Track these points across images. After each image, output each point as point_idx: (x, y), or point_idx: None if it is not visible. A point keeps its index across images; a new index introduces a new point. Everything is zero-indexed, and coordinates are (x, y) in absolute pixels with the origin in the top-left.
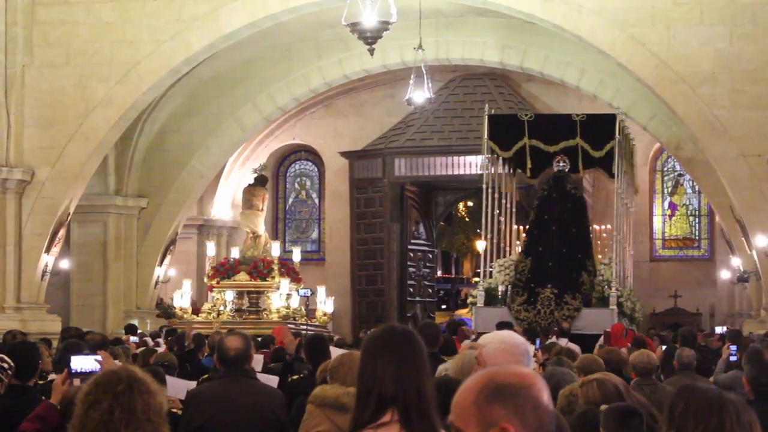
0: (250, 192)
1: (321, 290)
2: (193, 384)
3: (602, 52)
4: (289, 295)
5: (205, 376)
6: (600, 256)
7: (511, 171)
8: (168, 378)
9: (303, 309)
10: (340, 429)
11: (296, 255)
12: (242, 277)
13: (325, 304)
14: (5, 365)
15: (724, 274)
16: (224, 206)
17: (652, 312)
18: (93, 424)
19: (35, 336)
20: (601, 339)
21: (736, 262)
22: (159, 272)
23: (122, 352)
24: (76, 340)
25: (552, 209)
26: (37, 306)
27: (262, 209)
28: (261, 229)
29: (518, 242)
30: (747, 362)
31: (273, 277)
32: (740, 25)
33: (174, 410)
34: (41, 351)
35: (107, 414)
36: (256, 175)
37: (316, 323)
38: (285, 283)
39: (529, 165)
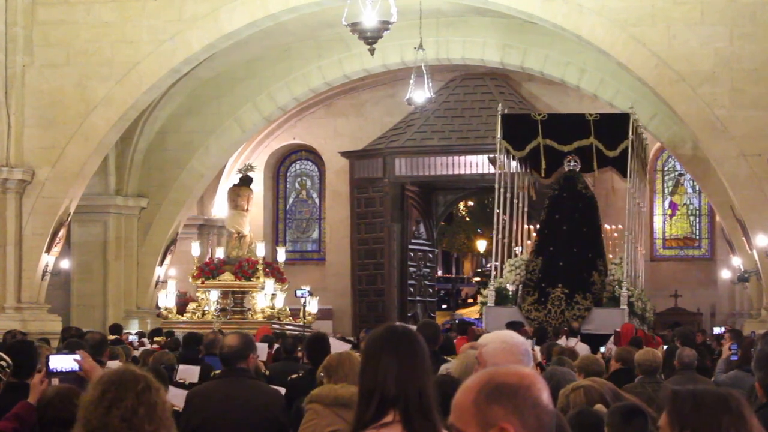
0: (234, 192)
1: (305, 289)
2: (183, 392)
3: (602, 51)
4: (273, 295)
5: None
6: (611, 256)
7: (528, 170)
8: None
9: (288, 309)
10: None
11: (281, 255)
12: (227, 277)
13: (310, 304)
14: (3, 363)
15: (725, 274)
16: (224, 206)
17: (653, 311)
18: (116, 422)
19: (35, 336)
20: (611, 339)
21: (736, 261)
22: (159, 272)
23: (122, 352)
24: (76, 340)
25: (563, 209)
26: (38, 306)
27: (247, 209)
28: (246, 229)
29: (529, 241)
30: (759, 368)
31: (258, 278)
32: (740, 24)
33: (175, 408)
34: (40, 350)
35: (130, 412)
36: (241, 175)
37: (301, 323)
38: (270, 284)
39: (546, 165)
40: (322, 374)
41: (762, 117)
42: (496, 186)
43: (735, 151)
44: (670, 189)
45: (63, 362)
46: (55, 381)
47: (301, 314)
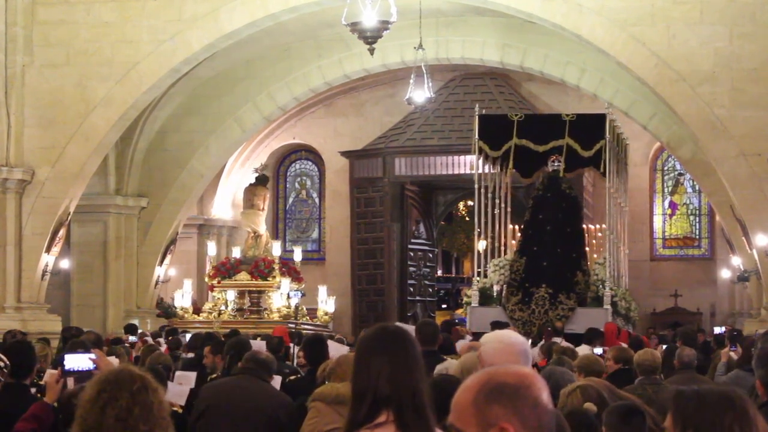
0: (251, 191)
1: (322, 290)
2: (185, 389)
3: (602, 51)
4: (290, 295)
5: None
6: (595, 256)
7: (504, 171)
8: (168, 383)
9: (305, 309)
10: None
11: (297, 255)
12: (243, 277)
13: (326, 304)
14: (1, 363)
15: (725, 274)
16: (224, 206)
17: (653, 311)
18: (111, 422)
19: (35, 335)
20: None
21: (736, 261)
22: (159, 272)
23: (123, 352)
24: (79, 339)
25: (547, 209)
26: (38, 306)
27: (263, 209)
28: (262, 228)
29: (514, 242)
30: (759, 366)
31: (274, 277)
32: (740, 24)
33: (175, 408)
34: (38, 350)
35: (125, 412)
36: (257, 174)
37: (318, 323)
38: (286, 283)
39: (511, 165)
40: (327, 381)
41: (762, 117)
42: (476, 186)
43: (735, 150)
44: (669, 189)
45: (79, 362)
46: (71, 380)
47: (294, 313)
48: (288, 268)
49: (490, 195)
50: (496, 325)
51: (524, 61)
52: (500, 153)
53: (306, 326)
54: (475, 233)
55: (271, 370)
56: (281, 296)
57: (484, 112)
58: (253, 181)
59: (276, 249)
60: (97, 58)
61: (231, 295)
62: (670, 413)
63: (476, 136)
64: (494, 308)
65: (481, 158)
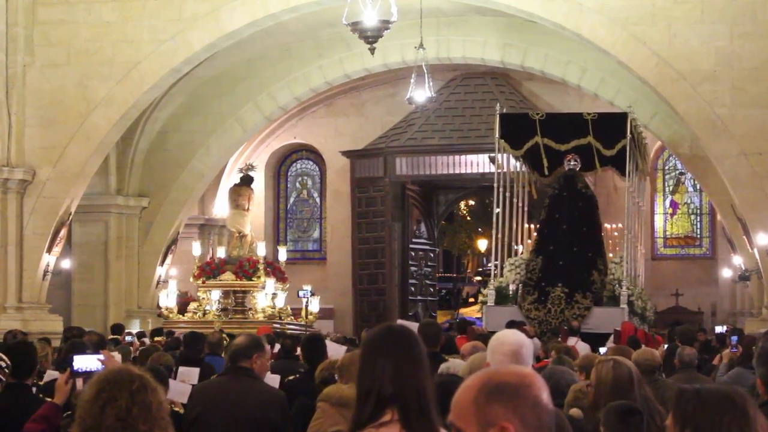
0: (235, 192)
1: (307, 289)
2: (187, 387)
3: (603, 50)
4: (274, 295)
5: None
6: (611, 255)
7: (527, 169)
8: (171, 381)
9: (290, 309)
10: None
11: (282, 254)
12: (228, 277)
13: (312, 304)
14: (3, 364)
15: (726, 273)
16: (225, 206)
17: (654, 310)
18: (110, 421)
19: (36, 335)
20: (611, 338)
21: (737, 260)
22: (160, 272)
23: (121, 352)
24: (80, 340)
25: (563, 208)
26: (39, 306)
27: (248, 209)
28: (247, 228)
29: (529, 241)
30: (760, 364)
31: (258, 277)
32: (741, 23)
33: (176, 409)
34: (39, 350)
35: (124, 412)
36: (241, 174)
37: (302, 323)
38: (270, 283)
39: (546, 164)
40: (336, 375)
41: (762, 116)
42: (495, 185)
43: (735, 149)
44: (670, 188)
45: (87, 362)
46: (80, 381)
47: (303, 314)
48: (273, 268)
49: (507, 194)
50: (512, 324)
51: (525, 60)
52: (523, 152)
53: (291, 326)
54: (494, 233)
55: (248, 356)
56: (266, 296)
57: (505, 110)
58: (237, 181)
59: (261, 249)
60: (97, 58)
61: (216, 295)
62: (671, 412)
63: (497, 135)
64: (510, 307)
65: (496, 157)
